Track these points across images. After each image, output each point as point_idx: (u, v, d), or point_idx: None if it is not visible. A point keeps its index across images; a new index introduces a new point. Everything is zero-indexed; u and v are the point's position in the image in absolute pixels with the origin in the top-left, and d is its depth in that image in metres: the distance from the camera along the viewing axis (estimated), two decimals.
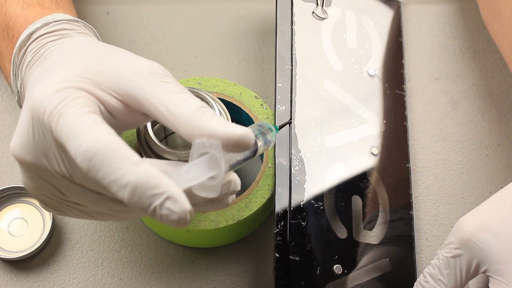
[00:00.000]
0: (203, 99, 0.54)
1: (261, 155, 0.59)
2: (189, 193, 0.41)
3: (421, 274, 0.50)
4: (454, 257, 0.48)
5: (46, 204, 0.45)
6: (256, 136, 0.47)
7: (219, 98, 0.56)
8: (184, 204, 0.37)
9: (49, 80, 0.41)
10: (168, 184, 0.37)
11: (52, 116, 0.39)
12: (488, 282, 0.48)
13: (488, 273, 0.47)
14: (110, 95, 0.42)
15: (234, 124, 0.41)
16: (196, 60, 0.67)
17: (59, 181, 0.42)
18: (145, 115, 0.43)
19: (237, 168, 0.45)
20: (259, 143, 0.47)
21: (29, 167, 0.42)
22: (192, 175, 0.40)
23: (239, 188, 0.44)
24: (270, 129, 0.49)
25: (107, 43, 0.67)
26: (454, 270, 0.48)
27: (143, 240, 0.59)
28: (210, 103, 0.53)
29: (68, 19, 0.50)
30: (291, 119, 0.57)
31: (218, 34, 0.68)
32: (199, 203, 0.44)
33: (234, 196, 0.45)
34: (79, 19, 0.51)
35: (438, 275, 0.48)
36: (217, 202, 0.45)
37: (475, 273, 0.48)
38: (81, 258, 0.58)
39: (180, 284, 0.58)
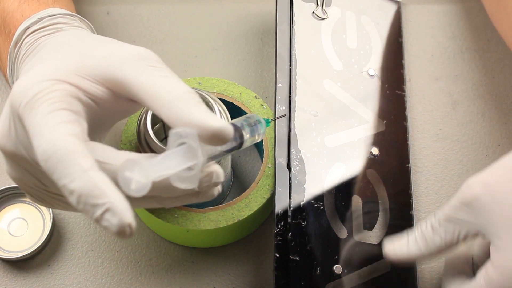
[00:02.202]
0: (203, 99, 0.54)
1: (261, 155, 0.59)
2: (168, 185, 0.41)
3: (425, 221, 0.51)
4: (455, 216, 0.48)
5: (31, 195, 0.45)
6: (241, 128, 0.46)
7: (219, 98, 0.56)
8: (123, 217, 0.37)
9: (30, 73, 0.41)
10: (110, 195, 0.37)
11: (25, 110, 0.40)
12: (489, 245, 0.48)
13: (488, 237, 0.48)
14: (94, 83, 0.42)
15: (214, 116, 0.41)
16: (196, 60, 0.67)
17: (39, 172, 0.42)
18: (133, 102, 0.43)
19: (220, 159, 0.44)
20: (246, 135, 0.47)
21: (10, 156, 0.42)
22: (166, 165, 0.39)
23: (222, 179, 0.44)
24: (259, 121, 0.49)
25: None
26: (453, 228, 0.49)
27: (143, 240, 0.59)
28: (210, 103, 0.53)
29: (63, 13, 0.50)
30: (286, 114, 0.57)
31: (218, 34, 0.68)
32: (182, 196, 0.44)
33: (219, 187, 0.45)
34: (74, 14, 0.51)
35: (437, 228, 0.49)
36: (201, 195, 0.44)
37: (475, 235, 0.48)
38: (81, 258, 0.58)
39: (180, 284, 0.58)
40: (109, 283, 0.58)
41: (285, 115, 0.56)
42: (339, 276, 0.54)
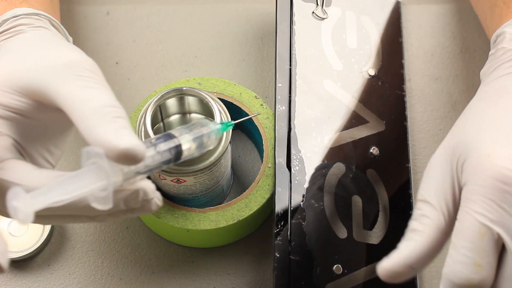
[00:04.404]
0: (203, 99, 0.54)
1: (261, 155, 0.59)
2: (88, 205, 0.39)
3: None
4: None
5: None
6: (178, 137, 0.44)
7: (219, 98, 0.56)
8: None
9: None
10: None
11: None
12: None
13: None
14: (17, 96, 0.41)
15: (126, 134, 0.39)
16: (196, 60, 0.67)
17: None
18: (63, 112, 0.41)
19: (151, 173, 0.42)
20: (186, 145, 0.45)
21: None
22: (71, 187, 0.38)
23: (151, 196, 0.42)
24: (210, 127, 0.47)
25: (107, 43, 0.67)
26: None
27: (143, 240, 0.59)
28: (210, 103, 0.53)
29: (28, 12, 0.49)
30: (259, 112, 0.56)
31: (218, 34, 0.68)
32: (116, 213, 0.42)
33: (158, 202, 0.42)
34: (40, 12, 0.50)
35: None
36: (136, 211, 0.42)
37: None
38: (81, 258, 0.58)
39: (180, 284, 0.58)
40: (109, 283, 0.58)
41: (258, 113, 0.56)
42: (339, 276, 0.54)
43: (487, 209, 0.40)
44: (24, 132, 0.42)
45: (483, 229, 0.40)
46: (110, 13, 0.69)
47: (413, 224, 0.43)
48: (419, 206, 0.43)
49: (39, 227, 0.58)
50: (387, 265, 0.42)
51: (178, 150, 0.44)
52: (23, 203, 0.37)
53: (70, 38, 0.53)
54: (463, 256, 0.40)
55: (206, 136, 0.47)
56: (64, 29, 0.52)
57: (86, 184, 0.38)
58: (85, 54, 0.44)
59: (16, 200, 0.37)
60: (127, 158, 0.38)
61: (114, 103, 0.40)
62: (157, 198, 0.42)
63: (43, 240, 0.57)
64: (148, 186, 0.41)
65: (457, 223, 0.42)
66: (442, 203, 0.43)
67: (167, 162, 0.44)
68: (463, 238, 0.41)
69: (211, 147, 0.48)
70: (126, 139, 0.38)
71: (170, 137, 0.44)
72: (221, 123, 0.50)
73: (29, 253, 0.57)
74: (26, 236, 0.58)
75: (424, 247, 0.42)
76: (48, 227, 0.57)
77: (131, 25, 0.68)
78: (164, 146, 0.43)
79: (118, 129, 0.39)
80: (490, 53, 0.52)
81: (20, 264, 0.58)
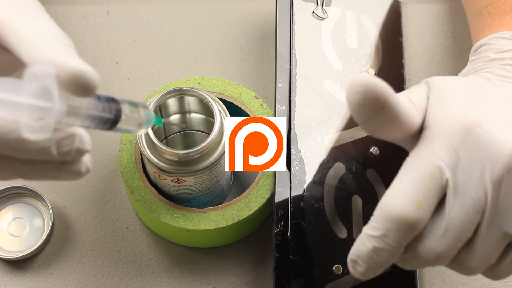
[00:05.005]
0: (203, 99, 0.54)
1: None
2: (18, 138, 0.36)
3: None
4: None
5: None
6: (122, 104, 0.42)
7: (219, 98, 0.56)
8: None
9: None
10: None
11: None
12: None
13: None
14: None
15: (80, 60, 0.36)
16: (196, 60, 0.67)
17: None
18: (6, 52, 0.39)
19: (88, 126, 0.39)
20: (124, 115, 0.42)
21: None
22: (5, 97, 0.34)
23: (87, 147, 0.39)
24: (148, 113, 0.45)
25: (107, 43, 0.67)
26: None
27: (143, 240, 0.59)
28: (210, 103, 0.53)
29: None
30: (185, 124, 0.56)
31: (218, 34, 0.68)
32: (40, 166, 0.39)
33: (88, 163, 0.40)
34: None
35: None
36: (64, 168, 0.39)
37: None
38: (81, 258, 0.58)
39: (180, 284, 0.58)
40: (109, 283, 0.58)
41: (184, 126, 0.53)
42: (339, 276, 0.54)
43: (445, 153, 0.40)
44: None
45: (435, 171, 0.40)
46: (110, 13, 0.69)
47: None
48: (402, 93, 0.44)
49: (39, 227, 0.58)
50: (362, 76, 0.41)
51: (117, 113, 0.41)
52: None
53: None
54: (407, 192, 0.41)
55: (142, 116, 0.45)
56: None
57: (25, 99, 0.34)
58: None
59: None
60: (81, 82, 0.35)
61: (63, 34, 0.38)
62: (88, 160, 0.40)
63: (43, 240, 0.57)
64: (85, 134, 0.39)
65: (409, 159, 0.42)
66: (419, 113, 0.43)
67: (106, 121, 0.40)
68: (412, 173, 0.41)
69: (140, 133, 0.46)
70: (82, 63, 0.36)
71: (114, 101, 0.42)
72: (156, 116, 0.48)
73: (29, 253, 0.57)
74: (26, 236, 0.58)
75: (397, 107, 0.42)
76: (48, 227, 0.57)
77: (131, 25, 0.68)
78: (107, 105, 0.41)
79: (72, 54, 0.37)
80: (471, 59, 0.52)
81: (20, 264, 0.58)
